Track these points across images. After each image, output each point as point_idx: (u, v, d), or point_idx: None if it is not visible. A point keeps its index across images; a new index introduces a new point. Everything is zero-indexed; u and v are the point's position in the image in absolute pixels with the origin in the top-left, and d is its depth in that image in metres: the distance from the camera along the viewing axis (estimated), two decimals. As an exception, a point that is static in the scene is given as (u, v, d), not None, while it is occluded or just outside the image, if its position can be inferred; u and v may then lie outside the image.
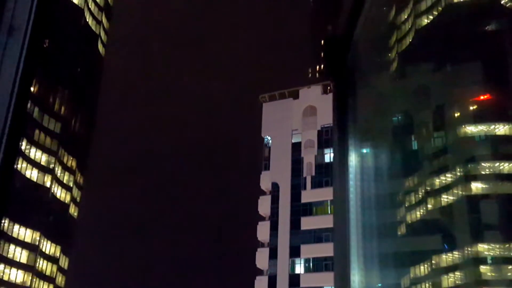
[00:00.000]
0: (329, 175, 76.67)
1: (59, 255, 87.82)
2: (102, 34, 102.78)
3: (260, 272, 78.88)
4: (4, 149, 2.70)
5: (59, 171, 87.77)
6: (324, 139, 79.95)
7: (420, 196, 60.45)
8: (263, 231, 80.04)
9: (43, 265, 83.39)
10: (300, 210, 77.37)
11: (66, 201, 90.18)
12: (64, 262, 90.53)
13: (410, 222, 59.12)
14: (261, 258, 78.27)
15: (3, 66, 3.84)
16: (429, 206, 59.94)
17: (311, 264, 74.47)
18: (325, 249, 70.56)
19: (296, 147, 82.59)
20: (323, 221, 72.79)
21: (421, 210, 60.04)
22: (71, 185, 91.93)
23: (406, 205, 59.49)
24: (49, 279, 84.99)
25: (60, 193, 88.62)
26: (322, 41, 62.65)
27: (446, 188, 60.29)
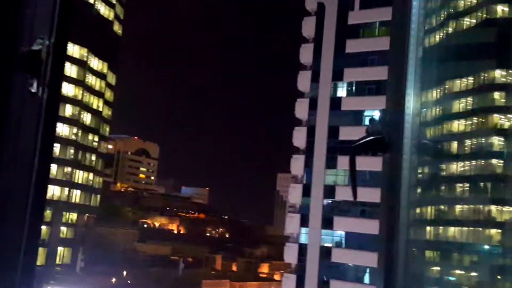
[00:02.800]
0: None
1: (107, 71, 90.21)
2: None
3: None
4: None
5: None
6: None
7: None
8: (306, 55, 78.99)
9: (92, 80, 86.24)
10: (346, 32, 75.06)
11: (110, 18, 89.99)
12: (112, 79, 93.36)
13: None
14: (303, 81, 78.05)
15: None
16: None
17: (353, 87, 74.39)
18: (370, 73, 69.75)
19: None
20: (370, 44, 70.87)
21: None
22: (114, 1, 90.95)
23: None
24: (99, 94, 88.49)
25: (103, 9, 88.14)
26: None
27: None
